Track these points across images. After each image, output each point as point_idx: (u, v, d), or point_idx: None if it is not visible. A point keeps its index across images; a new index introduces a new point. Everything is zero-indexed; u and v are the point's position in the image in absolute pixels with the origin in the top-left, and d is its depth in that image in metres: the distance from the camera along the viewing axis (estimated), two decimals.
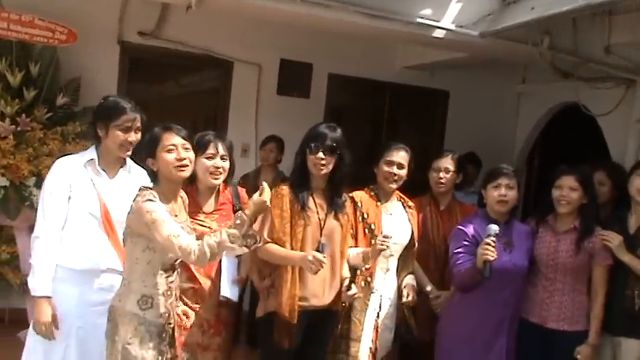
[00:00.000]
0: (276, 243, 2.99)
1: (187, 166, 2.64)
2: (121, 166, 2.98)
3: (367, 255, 3.16)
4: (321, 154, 2.99)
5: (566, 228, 3.32)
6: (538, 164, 6.43)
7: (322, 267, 2.86)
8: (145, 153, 2.69)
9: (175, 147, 2.62)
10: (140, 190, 2.59)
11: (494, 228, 3.11)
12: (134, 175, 3.00)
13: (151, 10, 5.21)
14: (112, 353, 2.58)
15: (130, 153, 2.93)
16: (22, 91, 4.61)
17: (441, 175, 3.76)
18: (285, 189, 3.04)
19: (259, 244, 2.63)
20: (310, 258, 2.84)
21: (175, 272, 2.70)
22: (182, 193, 2.80)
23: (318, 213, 3.04)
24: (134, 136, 2.87)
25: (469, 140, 5.71)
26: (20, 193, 4.53)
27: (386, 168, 3.41)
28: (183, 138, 2.66)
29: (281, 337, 2.97)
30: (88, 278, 2.86)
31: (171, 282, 2.66)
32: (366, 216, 3.34)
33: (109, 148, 2.90)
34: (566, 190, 3.27)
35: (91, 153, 2.92)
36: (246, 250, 2.53)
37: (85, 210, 2.84)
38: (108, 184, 2.91)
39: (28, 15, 4.61)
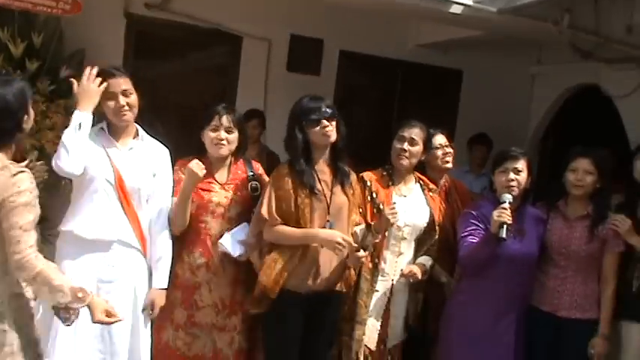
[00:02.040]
0: (284, 224, 2.91)
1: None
2: (134, 137, 2.93)
3: (374, 228, 3.08)
4: (325, 122, 2.90)
5: (579, 214, 3.22)
6: (552, 147, 6.29)
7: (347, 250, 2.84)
8: None
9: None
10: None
11: (508, 196, 3.05)
12: (149, 146, 2.96)
13: None
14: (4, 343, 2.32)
15: (128, 117, 2.86)
16: (24, 63, 4.51)
17: (447, 150, 3.59)
18: (286, 170, 2.96)
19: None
20: (339, 240, 2.82)
21: None
22: None
23: (323, 190, 2.96)
24: (123, 100, 2.82)
25: (482, 121, 5.60)
26: None
27: (397, 144, 3.29)
28: None
29: (252, 305, 2.93)
30: (99, 253, 2.78)
31: None
32: (375, 195, 3.22)
33: (112, 120, 2.88)
34: (581, 173, 3.15)
35: (101, 124, 2.89)
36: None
37: (101, 176, 2.78)
38: (120, 154, 2.86)
39: None
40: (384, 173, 3.33)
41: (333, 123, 2.94)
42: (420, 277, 3.19)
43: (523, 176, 3.18)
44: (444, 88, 6.27)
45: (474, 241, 3.12)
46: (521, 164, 3.18)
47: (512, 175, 3.14)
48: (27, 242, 2.13)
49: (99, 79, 2.74)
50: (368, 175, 3.28)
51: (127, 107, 2.82)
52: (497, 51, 5.91)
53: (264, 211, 2.91)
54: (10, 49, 4.46)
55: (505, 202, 3.04)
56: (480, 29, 4.92)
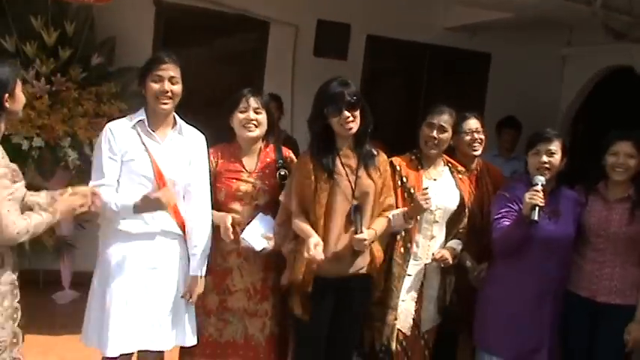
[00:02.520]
0: (306, 213, 2.90)
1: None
2: (172, 127, 2.92)
3: (408, 215, 3.04)
4: (346, 113, 2.83)
5: (620, 196, 3.14)
6: (583, 129, 6.21)
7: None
8: None
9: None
10: None
11: (541, 178, 3.00)
12: (186, 136, 2.95)
13: None
14: None
15: (168, 106, 2.85)
16: (57, 51, 4.56)
17: (476, 136, 3.52)
18: (307, 156, 2.93)
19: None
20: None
21: None
22: None
23: (347, 175, 2.91)
24: (168, 86, 2.81)
25: (511, 104, 5.54)
26: (55, 154, 4.52)
27: (426, 131, 3.25)
28: None
29: (295, 306, 2.91)
30: (144, 242, 2.82)
31: None
32: (405, 180, 3.19)
33: (150, 105, 2.86)
34: (623, 156, 3.09)
35: (140, 114, 2.88)
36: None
37: (139, 173, 2.80)
38: (159, 146, 2.86)
39: None
40: (413, 157, 3.30)
41: (357, 112, 2.86)
42: (450, 261, 3.17)
43: (557, 158, 3.12)
44: (473, 71, 6.20)
45: (507, 223, 3.09)
46: (555, 146, 3.13)
47: (545, 158, 3.10)
48: (7, 217, 2.27)
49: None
50: (397, 160, 3.25)
51: (169, 94, 2.81)
52: (526, 33, 5.80)
53: (285, 200, 2.91)
54: (44, 37, 4.51)
55: (537, 184, 2.99)
56: (510, 11, 4.85)
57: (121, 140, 2.81)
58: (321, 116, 2.89)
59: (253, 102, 3.02)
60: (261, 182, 3.03)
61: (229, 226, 2.91)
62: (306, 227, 2.86)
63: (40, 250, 4.62)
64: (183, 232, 2.90)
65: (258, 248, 2.91)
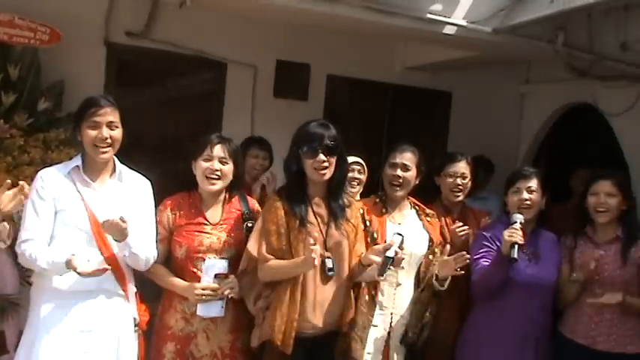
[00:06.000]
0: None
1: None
2: (111, 174, 2.71)
3: (364, 260, 2.83)
4: (321, 156, 2.68)
5: (608, 238, 3.07)
6: (545, 167, 6.21)
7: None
8: None
9: None
10: None
11: (519, 216, 2.96)
12: (127, 182, 2.74)
13: (140, 9, 4.93)
14: None
15: (107, 154, 2.65)
16: (0, 96, 4.31)
17: (458, 181, 3.48)
18: (278, 201, 2.74)
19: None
20: (314, 256, 2.53)
21: None
22: None
23: (319, 225, 2.74)
24: (106, 132, 2.61)
25: (473, 143, 5.46)
26: None
27: (389, 171, 3.14)
28: None
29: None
30: (77, 301, 2.58)
31: None
32: (368, 224, 3.05)
33: (88, 152, 2.66)
34: (604, 196, 3.04)
35: (76, 160, 2.69)
36: None
37: (73, 224, 2.58)
38: (96, 195, 2.64)
39: (7, 14, 4.31)
40: (377, 200, 3.18)
41: (333, 159, 2.72)
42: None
43: (537, 195, 3.07)
44: (434, 110, 6.18)
45: (486, 263, 3.02)
46: (535, 183, 3.10)
47: (525, 195, 3.06)
48: None
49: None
50: (360, 204, 3.12)
51: (109, 140, 2.62)
52: (485, 71, 5.86)
53: (251, 248, 2.71)
54: None
55: (516, 221, 2.94)
56: (472, 50, 4.84)
57: (53, 188, 2.59)
58: (295, 157, 2.72)
59: (219, 150, 2.81)
60: (227, 235, 2.81)
61: (200, 292, 2.69)
62: (285, 262, 2.65)
63: None
64: (125, 290, 2.66)
65: (220, 314, 2.74)
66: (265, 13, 4.44)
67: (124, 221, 2.48)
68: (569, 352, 3.05)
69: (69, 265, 2.47)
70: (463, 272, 2.95)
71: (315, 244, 2.54)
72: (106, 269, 2.52)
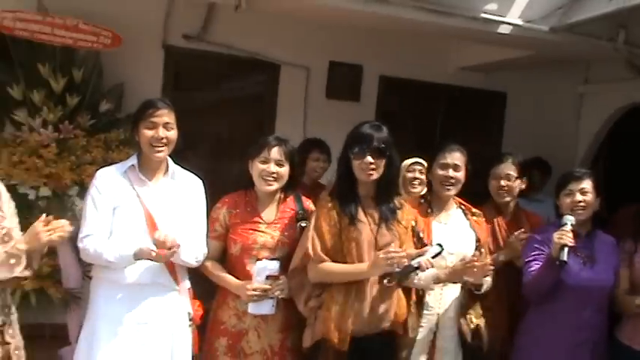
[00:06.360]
0: (333, 261, 2.72)
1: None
2: (165, 173, 2.81)
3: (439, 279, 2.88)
4: (369, 158, 2.69)
5: None
6: (604, 168, 6.03)
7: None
8: None
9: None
10: None
11: (570, 218, 2.88)
12: (179, 181, 2.84)
13: (197, 12, 5.04)
14: None
15: (163, 153, 2.74)
16: (64, 98, 4.50)
17: (502, 182, 3.42)
18: (330, 202, 2.76)
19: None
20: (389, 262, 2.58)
21: None
22: None
23: (370, 225, 2.75)
24: (162, 132, 2.71)
25: (529, 144, 5.37)
26: (63, 204, 4.43)
27: (440, 172, 3.10)
28: None
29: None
30: (133, 294, 2.69)
31: None
32: (414, 224, 3.02)
33: (145, 152, 2.76)
34: None
35: (132, 160, 2.79)
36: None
37: (130, 221, 2.69)
38: (151, 192, 2.74)
39: (72, 19, 4.47)
40: (422, 201, 3.16)
41: (381, 161, 2.73)
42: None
43: (590, 197, 2.99)
44: (488, 111, 6.09)
45: (537, 266, 2.96)
46: (587, 184, 3.01)
47: (578, 197, 2.98)
48: None
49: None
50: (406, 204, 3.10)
51: (164, 140, 2.71)
52: (541, 71, 5.74)
53: (305, 247, 2.72)
54: (52, 84, 4.44)
55: (567, 223, 2.87)
56: (528, 49, 4.74)
57: (110, 186, 2.71)
58: (345, 157, 2.76)
59: (276, 153, 2.85)
60: (281, 234, 2.86)
61: (252, 292, 2.75)
62: (346, 267, 2.68)
63: (47, 302, 4.47)
64: (178, 285, 2.77)
65: (271, 312, 2.79)
66: (318, 15, 4.46)
67: (173, 245, 2.56)
68: (627, 359, 2.96)
69: (140, 255, 2.58)
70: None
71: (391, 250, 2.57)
72: (179, 245, 2.59)
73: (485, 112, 6.07)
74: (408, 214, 2.90)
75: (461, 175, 3.10)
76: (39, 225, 2.40)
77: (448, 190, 3.10)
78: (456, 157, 3.10)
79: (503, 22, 4.20)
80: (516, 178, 3.45)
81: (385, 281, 2.72)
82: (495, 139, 6.03)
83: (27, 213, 4.24)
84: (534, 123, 5.86)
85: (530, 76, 5.82)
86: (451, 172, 3.08)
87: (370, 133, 2.72)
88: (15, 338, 2.53)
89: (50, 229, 2.40)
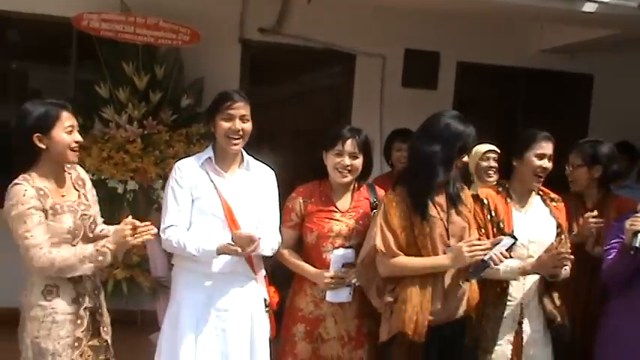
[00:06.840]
0: (406, 254, 2.70)
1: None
2: (239, 164, 2.87)
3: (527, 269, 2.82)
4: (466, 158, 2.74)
5: None
6: None
7: None
8: None
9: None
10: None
11: None
12: (254, 172, 2.89)
13: (272, 6, 5.12)
14: (22, 349, 2.47)
15: (239, 146, 2.79)
16: (148, 94, 4.66)
17: (545, 163, 3.19)
18: (399, 194, 2.72)
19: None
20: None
21: None
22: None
23: (439, 214, 2.71)
24: (239, 124, 2.75)
25: (616, 129, 5.09)
26: (148, 196, 4.60)
27: (538, 162, 2.97)
28: None
29: (401, 357, 2.69)
30: (214, 282, 2.77)
31: None
32: (494, 213, 2.95)
33: (221, 144, 2.81)
34: None
35: (208, 152, 2.85)
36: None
37: (209, 212, 2.76)
38: (227, 183, 2.81)
39: (153, 18, 4.63)
40: (500, 189, 3.06)
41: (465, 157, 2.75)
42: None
43: None
44: (573, 95, 5.85)
45: (615, 253, 2.84)
46: None
47: None
48: (32, 245, 2.33)
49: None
50: (484, 193, 3.02)
51: (241, 132, 2.76)
52: (630, 52, 5.42)
53: (375, 242, 2.70)
54: (135, 82, 4.61)
55: None
56: (615, 28, 4.50)
57: (189, 178, 2.78)
58: (429, 152, 2.69)
59: (350, 146, 2.85)
60: (355, 222, 2.88)
61: (329, 280, 2.79)
62: (421, 259, 2.67)
63: (137, 290, 4.69)
64: (255, 273, 2.83)
65: (348, 300, 2.83)
66: (392, 2, 4.44)
67: (254, 240, 2.60)
68: None
69: (222, 252, 2.64)
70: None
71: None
72: (259, 239, 2.64)
73: (571, 95, 5.83)
74: (467, 198, 2.86)
75: (551, 164, 3.00)
76: (127, 229, 2.46)
77: (541, 180, 3.00)
78: (550, 148, 3.00)
79: (588, 0, 4.00)
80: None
81: (461, 282, 2.72)
82: (582, 124, 5.79)
83: (116, 205, 4.50)
84: (623, 106, 5.57)
85: (618, 57, 5.53)
86: (546, 163, 2.98)
87: (465, 129, 2.69)
88: (103, 316, 2.65)
89: (137, 234, 2.48)
